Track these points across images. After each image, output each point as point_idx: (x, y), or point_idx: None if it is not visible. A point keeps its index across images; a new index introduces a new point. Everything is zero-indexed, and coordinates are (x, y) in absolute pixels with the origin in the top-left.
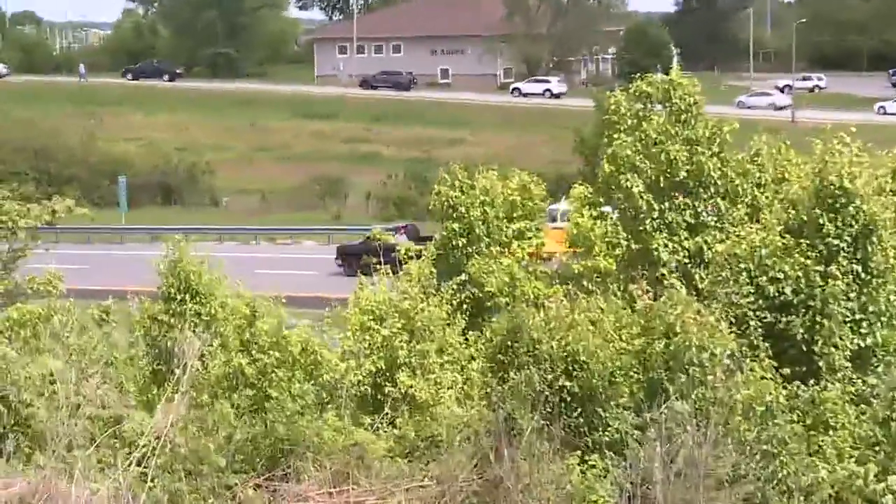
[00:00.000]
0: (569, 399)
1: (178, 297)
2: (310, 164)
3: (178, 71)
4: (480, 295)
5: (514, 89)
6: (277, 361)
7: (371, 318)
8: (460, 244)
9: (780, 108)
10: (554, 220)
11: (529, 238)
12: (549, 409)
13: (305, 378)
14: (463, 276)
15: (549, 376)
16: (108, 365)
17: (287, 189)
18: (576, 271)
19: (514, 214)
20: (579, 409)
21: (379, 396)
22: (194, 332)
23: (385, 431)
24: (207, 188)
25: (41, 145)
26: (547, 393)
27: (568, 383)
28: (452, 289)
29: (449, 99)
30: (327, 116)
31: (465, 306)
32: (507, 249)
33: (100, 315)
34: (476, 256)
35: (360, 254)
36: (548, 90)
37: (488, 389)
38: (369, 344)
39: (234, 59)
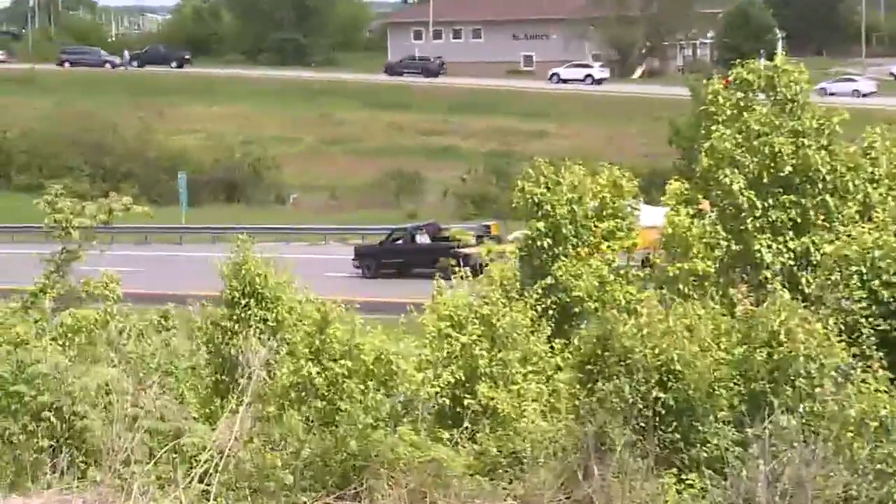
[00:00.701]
0: (663, 412)
1: (243, 302)
2: (383, 159)
3: (186, 56)
4: (567, 300)
5: (552, 75)
6: (350, 371)
7: (449, 324)
8: (546, 245)
9: (864, 95)
10: None
11: (621, 238)
12: (642, 423)
13: (379, 389)
14: (549, 280)
15: (642, 387)
16: (167, 374)
17: (359, 185)
18: (671, 274)
19: (605, 213)
20: (675, 423)
21: (458, 409)
22: (260, 339)
23: (465, 447)
24: (273, 184)
25: (97, 138)
26: (640, 405)
27: (662, 395)
28: (537, 293)
29: (530, 88)
30: (401, 107)
31: (550, 312)
32: (596, 251)
33: (159, 321)
34: (563, 258)
35: (378, 255)
36: (589, 76)
37: (576, 402)
38: (447, 353)
39: (302, 45)
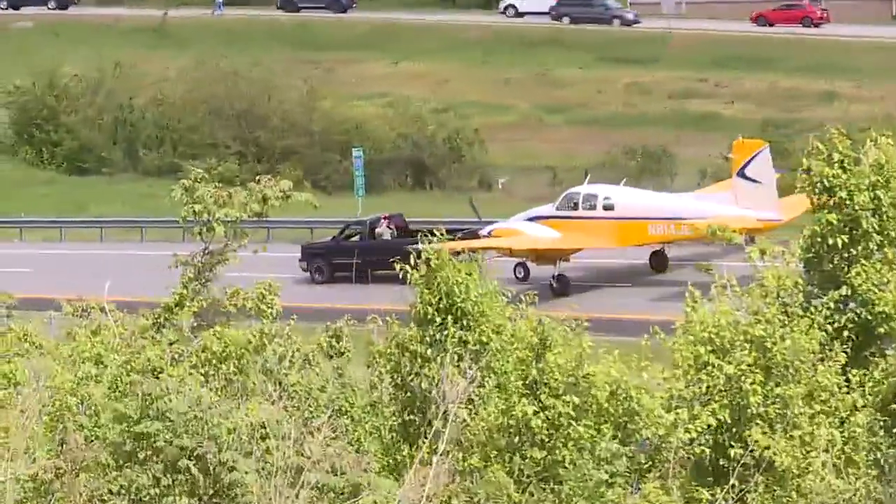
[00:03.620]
0: None
1: (438, 319)
2: (620, 130)
3: None
4: (869, 317)
5: (507, 7)
6: (576, 410)
7: (710, 349)
8: (840, 243)
9: None
10: (575, 207)
11: None
12: None
13: (616, 434)
14: (843, 290)
15: None
16: (340, 413)
17: (587, 165)
18: None
19: None
20: None
21: (721, 461)
22: (459, 367)
23: None
24: (476, 165)
25: (247, 106)
26: None
27: None
28: (828, 308)
29: (817, 35)
30: (645, 62)
31: (846, 333)
32: None
33: (329, 343)
34: (863, 261)
35: (330, 254)
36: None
37: (878, 453)
38: (707, 387)
39: None
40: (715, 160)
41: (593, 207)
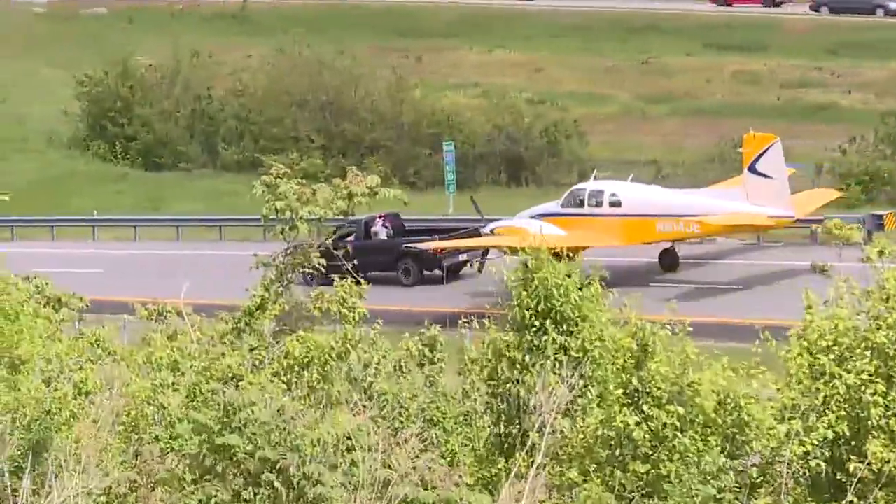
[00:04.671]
0: None
1: (536, 324)
2: (729, 121)
3: None
4: None
5: None
6: (681, 421)
7: (830, 357)
8: None
9: None
10: (581, 204)
11: None
12: None
13: (724, 447)
14: None
15: None
16: (431, 424)
17: (693, 159)
18: None
19: None
20: None
21: (839, 476)
22: (558, 375)
23: None
24: (575, 159)
25: (332, 97)
26: None
27: None
28: None
29: None
30: (757, 49)
31: None
32: None
33: (419, 350)
34: None
35: (324, 255)
36: None
37: None
38: (824, 397)
39: None
40: (831, 154)
41: (599, 204)
